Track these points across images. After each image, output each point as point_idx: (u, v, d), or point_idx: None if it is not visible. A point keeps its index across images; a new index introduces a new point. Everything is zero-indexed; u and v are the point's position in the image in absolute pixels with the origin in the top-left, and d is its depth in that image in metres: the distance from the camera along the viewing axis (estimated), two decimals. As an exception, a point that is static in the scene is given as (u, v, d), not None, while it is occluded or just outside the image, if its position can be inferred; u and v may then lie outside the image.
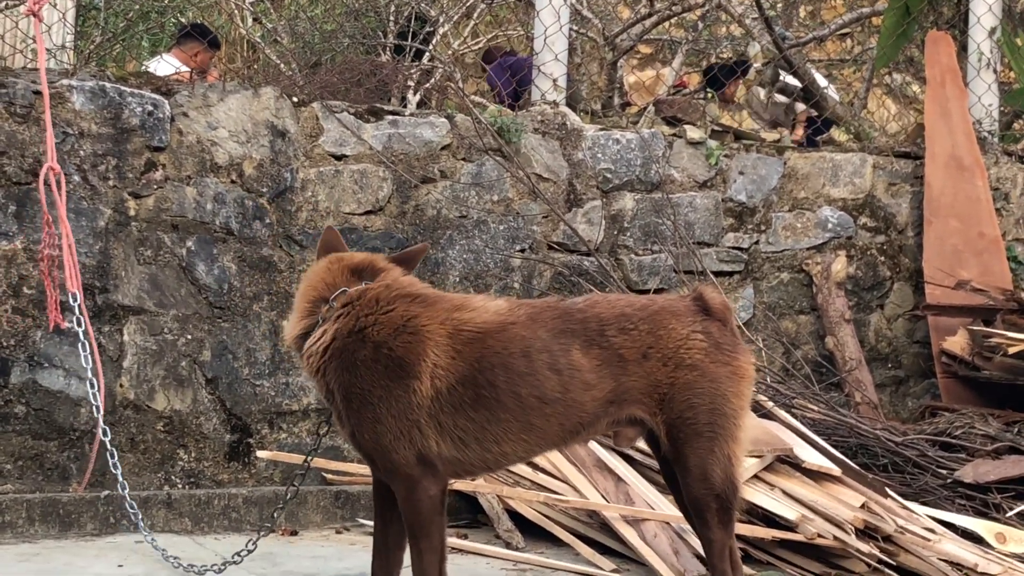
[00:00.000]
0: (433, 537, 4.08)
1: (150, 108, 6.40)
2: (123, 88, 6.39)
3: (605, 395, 4.09)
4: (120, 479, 5.07)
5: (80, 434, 6.14)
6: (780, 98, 10.78)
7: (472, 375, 4.00)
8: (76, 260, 5.70)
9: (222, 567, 4.72)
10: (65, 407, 6.16)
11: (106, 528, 5.72)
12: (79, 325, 5.39)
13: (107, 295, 6.25)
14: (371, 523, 5.90)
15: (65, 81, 6.27)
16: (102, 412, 5.20)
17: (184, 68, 8.60)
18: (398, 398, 3.97)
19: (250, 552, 4.81)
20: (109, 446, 5.12)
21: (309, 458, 4.71)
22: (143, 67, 8.79)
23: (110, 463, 5.08)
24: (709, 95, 8.99)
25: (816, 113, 10.06)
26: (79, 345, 5.44)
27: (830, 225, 7.87)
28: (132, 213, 6.35)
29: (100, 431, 5.24)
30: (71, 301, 5.51)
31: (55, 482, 6.09)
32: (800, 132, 10.58)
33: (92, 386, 5.33)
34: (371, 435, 4.01)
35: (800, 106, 10.64)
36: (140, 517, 5.09)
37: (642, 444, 5.71)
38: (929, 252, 7.92)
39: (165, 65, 8.61)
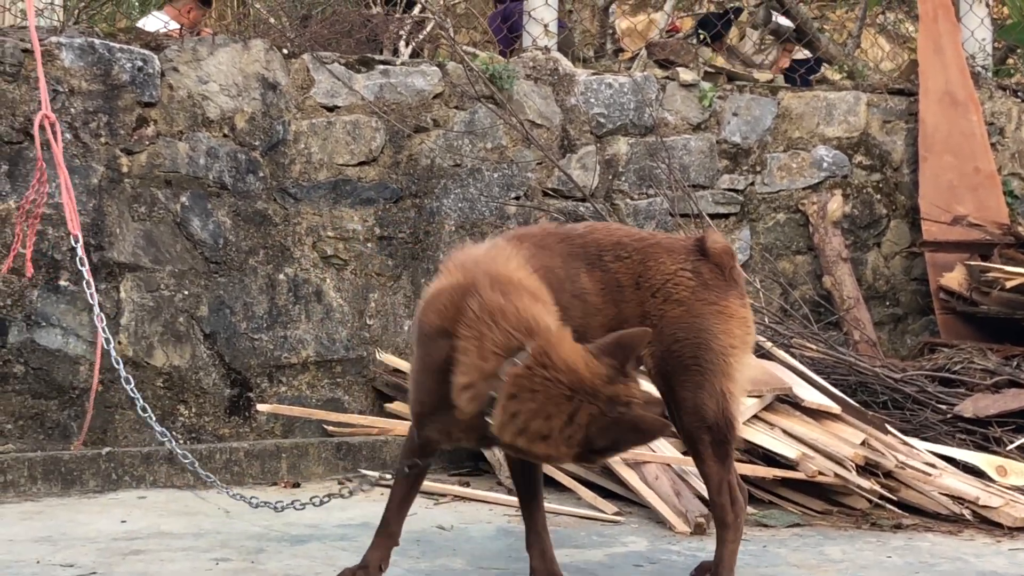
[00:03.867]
0: None
1: (140, 64, 6.37)
2: (112, 44, 6.36)
3: (609, 321, 4.08)
4: (158, 428, 4.94)
5: (80, 392, 6.15)
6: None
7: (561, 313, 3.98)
8: (75, 203, 5.68)
9: (302, 506, 4.63)
10: (64, 365, 6.16)
11: (108, 485, 5.74)
12: (82, 265, 5.35)
13: (102, 252, 6.24)
14: (372, 473, 5.95)
15: (54, 38, 6.23)
16: (115, 356, 5.11)
17: (174, 25, 8.54)
18: None
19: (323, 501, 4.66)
20: (133, 393, 5.00)
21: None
22: (133, 25, 8.74)
23: (138, 407, 4.98)
24: (702, 37, 8.95)
25: (808, 53, 10.02)
26: (83, 284, 5.35)
27: (825, 164, 7.85)
28: (125, 170, 6.33)
29: (100, 378, 5.18)
30: (73, 243, 5.46)
31: (56, 440, 6.10)
32: (785, 61, 10.53)
33: (103, 330, 5.22)
34: None
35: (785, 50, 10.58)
36: (196, 464, 4.96)
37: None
38: (925, 189, 7.91)
39: (155, 21, 8.56)
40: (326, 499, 4.49)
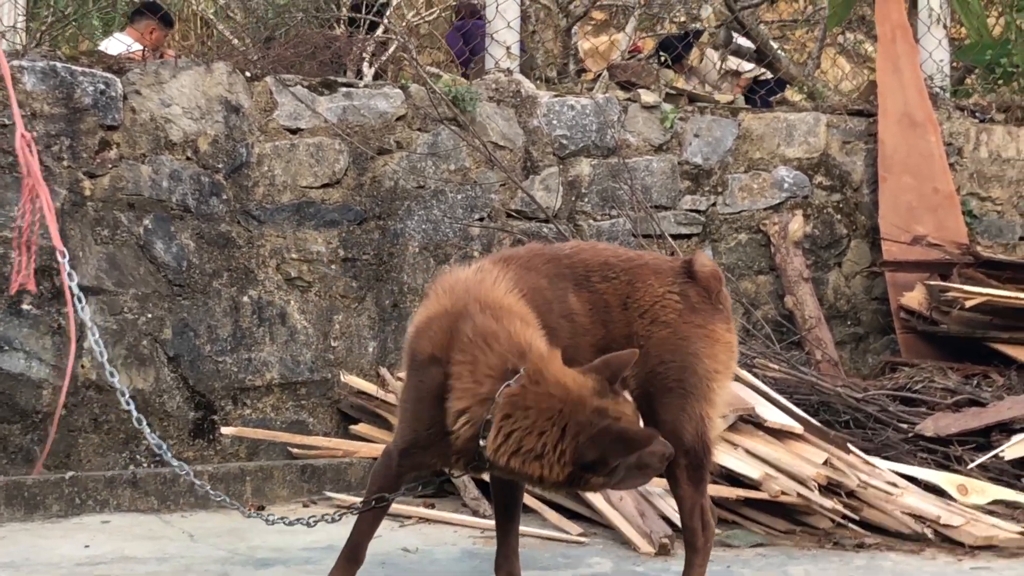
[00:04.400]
0: None
1: (102, 87, 6.36)
2: (74, 68, 6.35)
3: (598, 341, 4.10)
4: (159, 443, 4.84)
5: (43, 416, 6.12)
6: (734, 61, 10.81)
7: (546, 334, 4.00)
8: (55, 219, 5.65)
9: (310, 523, 4.55)
10: (27, 389, 6.14)
11: (72, 509, 5.71)
12: (72, 280, 5.31)
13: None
14: (338, 496, 5.95)
15: (16, 62, 6.22)
16: (106, 356, 5.02)
17: (137, 46, 8.53)
18: None
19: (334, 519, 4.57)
20: (135, 412, 4.89)
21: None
22: (96, 47, 8.72)
23: (141, 425, 4.85)
24: (663, 59, 9.01)
25: (769, 74, 10.09)
26: (74, 297, 5.27)
27: (786, 185, 7.91)
28: (88, 193, 6.32)
29: (59, 402, 5.12)
30: (60, 258, 5.41)
31: (19, 465, 6.07)
32: (740, 85, 10.59)
33: (94, 337, 5.10)
34: None
35: (747, 65, 10.65)
36: (191, 473, 4.86)
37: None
38: (884, 209, 7.97)
39: (117, 43, 8.54)
40: (337, 517, 4.35)
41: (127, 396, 4.82)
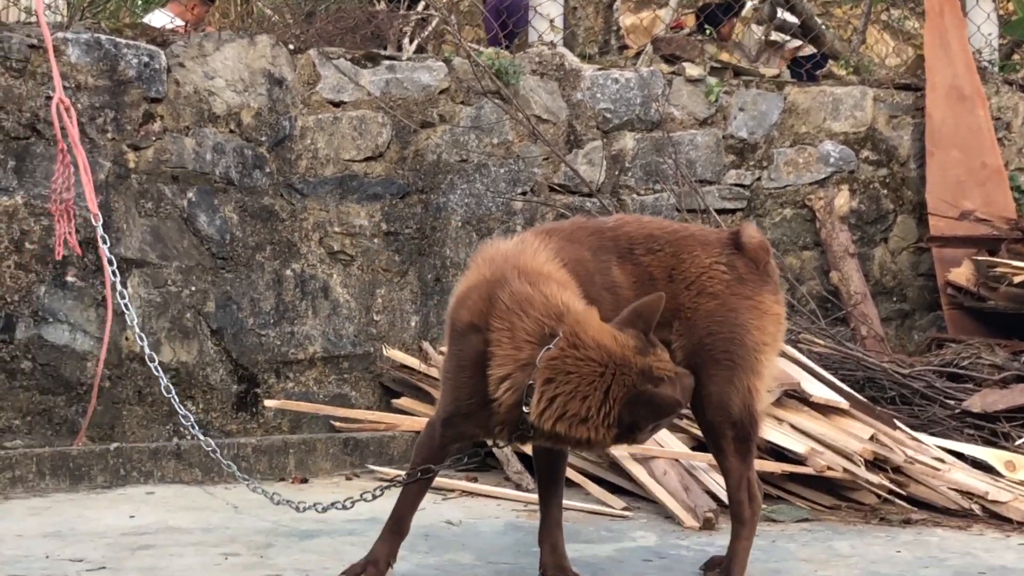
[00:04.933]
0: None
1: (146, 59, 6.37)
2: (118, 40, 6.35)
3: None
4: (187, 415, 4.89)
5: (87, 388, 6.14)
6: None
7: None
8: (92, 184, 5.66)
9: (346, 505, 4.53)
10: (71, 361, 6.16)
11: (116, 480, 5.73)
12: (105, 243, 5.33)
13: (109, 248, 6.22)
14: (380, 469, 5.95)
15: (60, 34, 6.23)
16: (136, 321, 5.05)
17: (179, 21, 8.54)
18: None
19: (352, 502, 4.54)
20: (165, 380, 4.91)
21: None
22: (138, 21, 8.73)
23: (173, 401, 4.91)
24: (708, 32, 8.94)
25: (813, 49, 10.00)
26: (106, 261, 5.32)
27: (832, 159, 7.84)
28: (132, 165, 6.33)
29: (97, 374, 5.13)
30: (93, 221, 5.42)
31: (64, 436, 6.10)
32: (785, 58, 10.50)
33: (124, 301, 5.11)
34: None
35: (794, 42, 10.56)
36: (219, 453, 4.91)
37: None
38: (932, 184, 7.89)
39: (160, 17, 8.55)
40: (375, 495, 4.33)
41: (156, 363, 4.87)
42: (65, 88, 6.10)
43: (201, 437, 4.75)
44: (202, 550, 4.60)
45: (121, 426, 6.25)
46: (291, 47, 6.74)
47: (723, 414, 4.07)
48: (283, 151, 6.64)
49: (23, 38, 6.13)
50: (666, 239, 4.18)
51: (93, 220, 5.44)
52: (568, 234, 4.15)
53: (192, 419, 4.80)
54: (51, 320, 6.14)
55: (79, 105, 6.17)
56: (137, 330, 5.01)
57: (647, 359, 3.66)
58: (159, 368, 4.85)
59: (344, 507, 4.43)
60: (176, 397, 4.90)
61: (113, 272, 5.18)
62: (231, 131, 6.53)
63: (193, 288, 6.43)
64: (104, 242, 5.32)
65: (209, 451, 4.81)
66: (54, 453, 5.68)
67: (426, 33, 8.30)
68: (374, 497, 4.33)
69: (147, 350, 4.93)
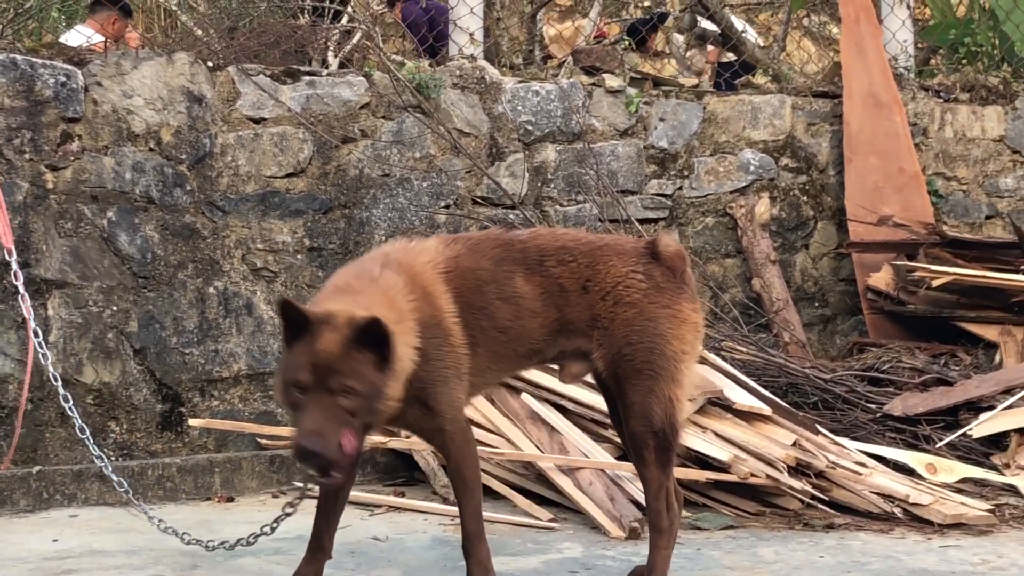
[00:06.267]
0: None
1: (63, 79, 6.32)
2: (34, 60, 6.30)
3: (551, 324, 4.13)
4: (92, 447, 4.91)
5: (8, 411, 6.08)
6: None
7: (462, 313, 4.02)
8: (6, 217, 5.59)
9: (251, 541, 4.58)
10: (-8, 385, 6.10)
11: (39, 503, 5.68)
12: (17, 279, 5.27)
13: (29, 269, 6.17)
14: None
15: (-26, 55, 6.17)
16: (52, 372, 5.04)
17: (98, 38, 8.47)
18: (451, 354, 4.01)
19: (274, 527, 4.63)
20: (71, 412, 4.93)
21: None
22: (58, 40, 8.65)
23: (76, 426, 4.93)
24: (627, 43, 9.00)
25: (734, 57, 10.09)
26: (18, 297, 5.27)
27: (752, 167, 7.91)
28: (50, 186, 6.28)
29: (23, 397, 5.08)
30: (7, 256, 5.35)
31: (-15, 461, 6.03)
32: (710, 60, 10.59)
33: (36, 335, 5.12)
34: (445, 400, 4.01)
35: (712, 48, 10.65)
36: (125, 486, 4.93)
37: (575, 393, 5.77)
38: (850, 190, 7.98)
39: (77, 35, 8.49)
40: (275, 525, 4.53)
41: (70, 404, 4.93)
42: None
43: (115, 477, 4.76)
44: (126, 573, 4.57)
45: (44, 448, 6.19)
46: (210, 64, 6.71)
47: (645, 424, 4.11)
48: (204, 168, 6.61)
49: (-63, 59, 6.07)
50: (580, 250, 4.21)
51: (7, 255, 5.34)
52: (474, 244, 4.20)
53: (105, 460, 4.82)
54: (-30, 343, 6.08)
55: (-5, 126, 6.12)
56: (51, 370, 5.00)
57: None
58: (73, 409, 4.90)
59: (248, 543, 4.57)
60: (90, 438, 4.92)
61: (26, 309, 5.12)
62: (151, 149, 6.49)
63: (115, 308, 6.38)
64: (17, 279, 5.25)
65: (122, 491, 4.82)
66: (-25, 478, 5.62)
67: (349, 47, 8.29)
68: (293, 508, 4.42)
69: (61, 390, 4.93)
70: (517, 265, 4.15)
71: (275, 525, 4.55)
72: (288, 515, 4.50)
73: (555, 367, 4.46)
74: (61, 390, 4.95)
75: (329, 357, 3.68)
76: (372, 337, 3.71)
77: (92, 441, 4.99)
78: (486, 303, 4.06)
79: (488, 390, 4.71)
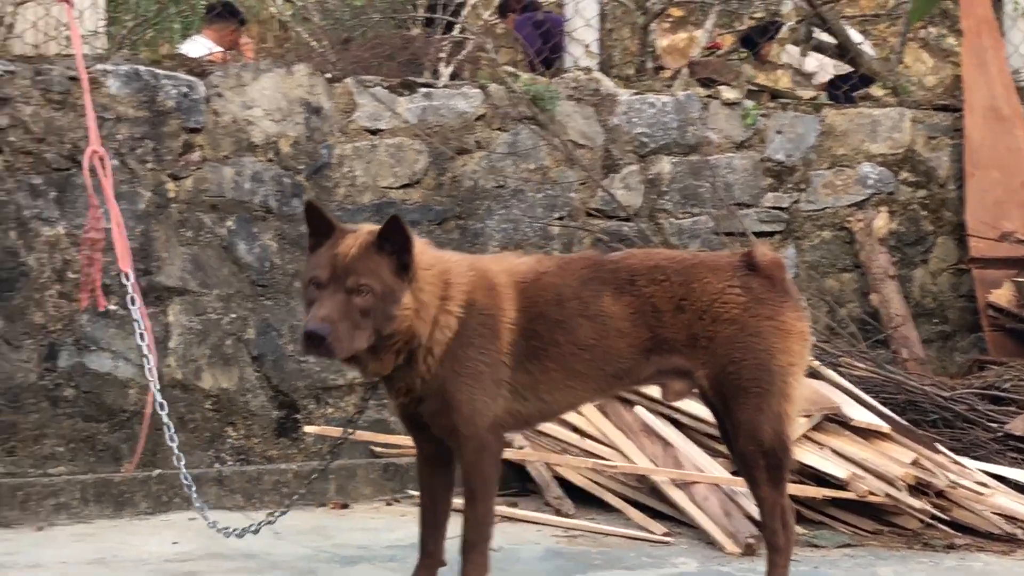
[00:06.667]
0: (494, 497, 4.15)
1: (185, 90, 6.41)
2: (157, 71, 6.40)
3: (641, 343, 4.09)
4: (176, 451, 4.99)
5: (130, 415, 6.19)
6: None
7: (527, 326, 4.02)
8: (126, 240, 5.62)
9: (256, 529, 4.61)
10: (114, 389, 6.20)
11: (159, 507, 5.77)
12: (133, 304, 5.33)
13: (150, 277, 6.28)
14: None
15: (99, 66, 6.28)
16: (157, 387, 5.11)
17: (216, 48, 8.60)
18: (491, 355, 4.00)
19: (272, 520, 4.66)
20: (165, 419, 5.03)
21: (348, 431, 4.58)
22: (176, 50, 8.79)
23: (167, 435, 4.99)
24: (743, 55, 8.93)
25: (851, 69, 9.97)
26: (135, 323, 5.33)
27: (870, 181, 7.81)
28: (171, 195, 6.38)
29: (154, 406, 5.12)
30: (124, 280, 5.40)
31: (107, 463, 6.14)
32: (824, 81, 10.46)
33: (147, 361, 5.21)
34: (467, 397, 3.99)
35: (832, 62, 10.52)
36: (194, 488, 5.02)
37: (689, 407, 5.73)
38: (971, 204, 7.86)
39: (198, 46, 8.61)
40: (255, 528, 4.60)
41: (166, 411, 4.98)
42: (105, 120, 6.15)
43: (198, 503, 4.77)
44: (244, 578, 4.62)
45: (163, 452, 6.26)
46: (328, 76, 6.77)
47: (754, 443, 4.07)
48: (321, 179, 6.67)
49: (63, 70, 6.19)
50: (673, 268, 4.16)
51: (123, 279, 5.36)
52: (565, 263, 4.25)
53: (191, 480, 4.82)
54: (93, 348, 6.19)
55: (119, 136, 6.23)
56: (150, 376, 5.05)
57: None
58: (164, 406, 4.93)
59: (268, 522, 4.58)
60: (175, 437, 4.92)
61: (141, 335, 5.16)
62: (269, 160, 6.57)
63: (233, 315, 6.46)
64: (132, 303, 5.26)
65: (198, 509, 4.82)
66: (97, 480, 5.72)
67: (461, 56, 8.32)
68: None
69: (158, 397, 4.97)
70: (606, 285, 4.13)
71: (272, 521, 4.57)
72: (284, 513, 4.56)
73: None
74: (158, 397, 4.97)
75: (348, 257, 3.81)
76: (393, 241, 3.82)
77: (176, 441, 4.97)
78: (565, 318, 4.04)
79: (572, 409, 4.62)
